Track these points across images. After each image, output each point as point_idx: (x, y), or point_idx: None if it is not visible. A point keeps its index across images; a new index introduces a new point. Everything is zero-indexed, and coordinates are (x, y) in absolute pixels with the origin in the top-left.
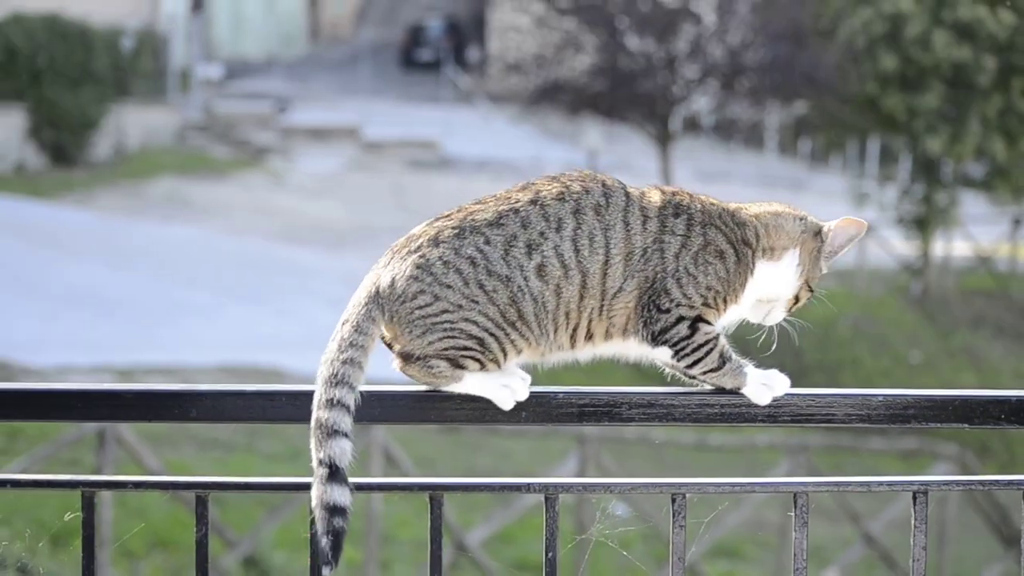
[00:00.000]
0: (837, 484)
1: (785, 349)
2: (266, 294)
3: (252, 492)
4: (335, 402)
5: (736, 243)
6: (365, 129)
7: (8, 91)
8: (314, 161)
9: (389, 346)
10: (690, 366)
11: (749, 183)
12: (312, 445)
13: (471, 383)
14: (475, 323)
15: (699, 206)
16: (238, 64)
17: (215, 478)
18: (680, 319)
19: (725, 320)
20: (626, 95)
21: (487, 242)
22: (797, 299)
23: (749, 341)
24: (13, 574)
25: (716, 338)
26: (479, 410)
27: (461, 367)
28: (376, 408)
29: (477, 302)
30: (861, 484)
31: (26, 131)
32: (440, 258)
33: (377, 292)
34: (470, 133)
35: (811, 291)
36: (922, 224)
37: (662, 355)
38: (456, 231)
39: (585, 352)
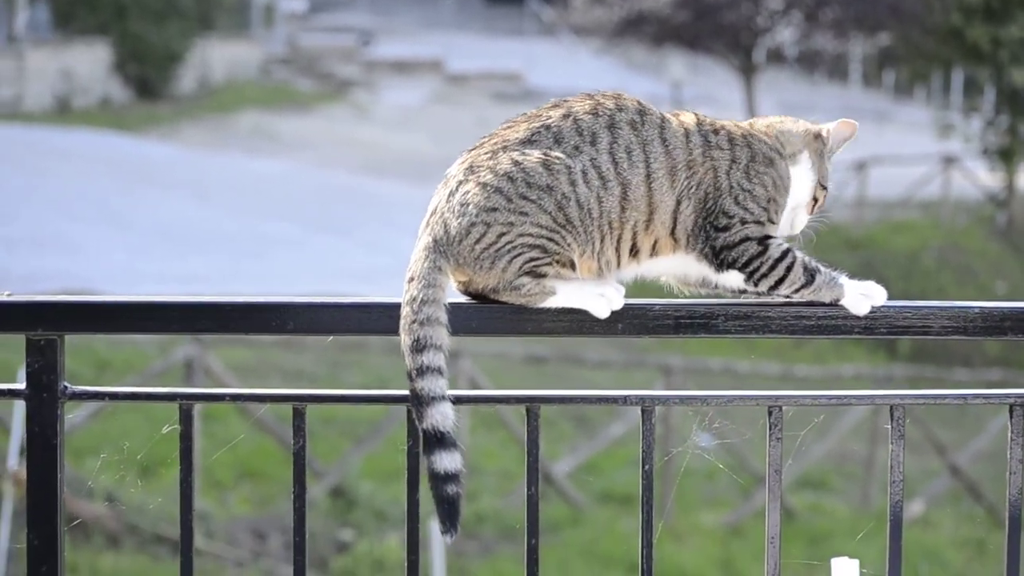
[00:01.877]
0: (934, 397)
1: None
2: (352, 226)
3: (348, 404)
4: (424, 368)
5: (774, 152)
6: (449, 62)
7: (93, 25)
8: (398, 94)
9: (472, 295)
10: (774, 286)
11: (833, 115)
12: (416, 417)
13: (565, 295)
14: (530, 234)
15: (730, 124)
16: None
17: (312, 391)
18: (746, 239)
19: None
20: (710, 26)
21: (523, 154)
22: (816, 200)
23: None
24: (101, 503)
25: (791, 250)
26: (576, 322)
27: (542, 276)
28: (474, 320)
29: (527, 213)
30: (957, 396)
31: (111, 65)
32: (478, 183)
33: (435, 241)
34: (553, 65)
35: (824, 188)
36: (1007, 155)
37: (733, 280)
38: (489, 155)
39: (630, 270)
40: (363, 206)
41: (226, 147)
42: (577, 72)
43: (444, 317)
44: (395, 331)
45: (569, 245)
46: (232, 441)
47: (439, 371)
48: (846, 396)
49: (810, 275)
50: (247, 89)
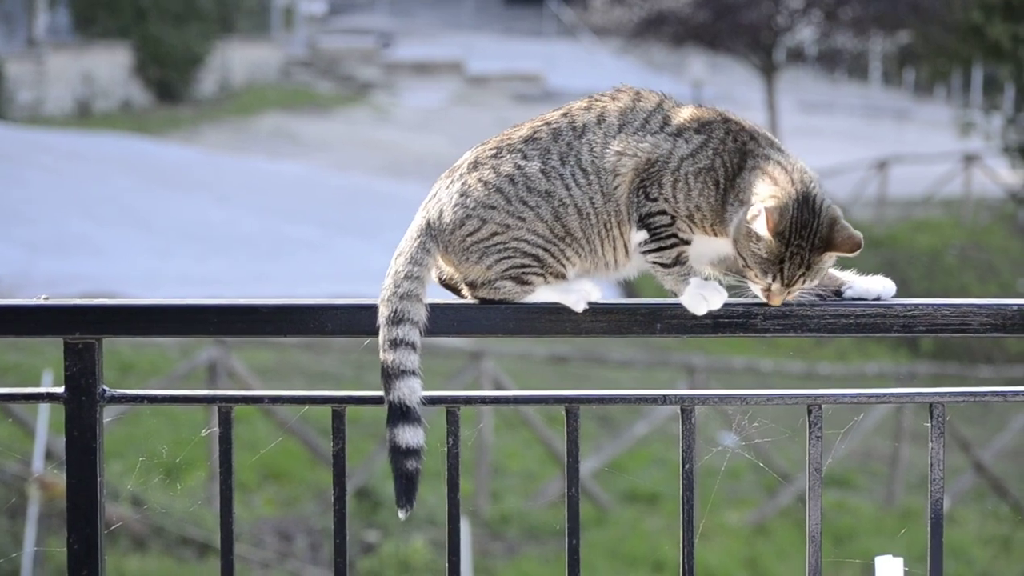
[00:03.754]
0: (973, 394)
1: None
2: (373, 228)
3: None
4: (398, 342)
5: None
6: (469, 63)
7: (113, 29)
8: (418, 96)
9: (445, 285)
10: (650, 251)
11: (853, 113)
12: (383, 388)
13: (543, 292)
14: (526, 241)
15: (730, 131)
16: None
17: (351, 392)
18: (662, 212)
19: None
20: (730, 25)
21: (524, 158)
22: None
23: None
24: (127, 506)
25: (685, 242)
26: (614, 323)
27: (526, 283)
28: (511, 322)
29: (524, 219)
30: (997, 394)
31: (132, 68)
32: (480, 180)
33: (428, 224)
34: (573, 66)
35: (744, 260)
36: None
37: (638, 237)
38: (494, 152)
39: (629, 267)
40: (384, 208)
41: (247, 150)
42: (597, 73)
43: (424, 296)
44: (436, 333)
45: (568, 259)
46: (255, 441)
47: (412, 346)
48: (885, 394)
49: (674, 261)
50: (267, 91)
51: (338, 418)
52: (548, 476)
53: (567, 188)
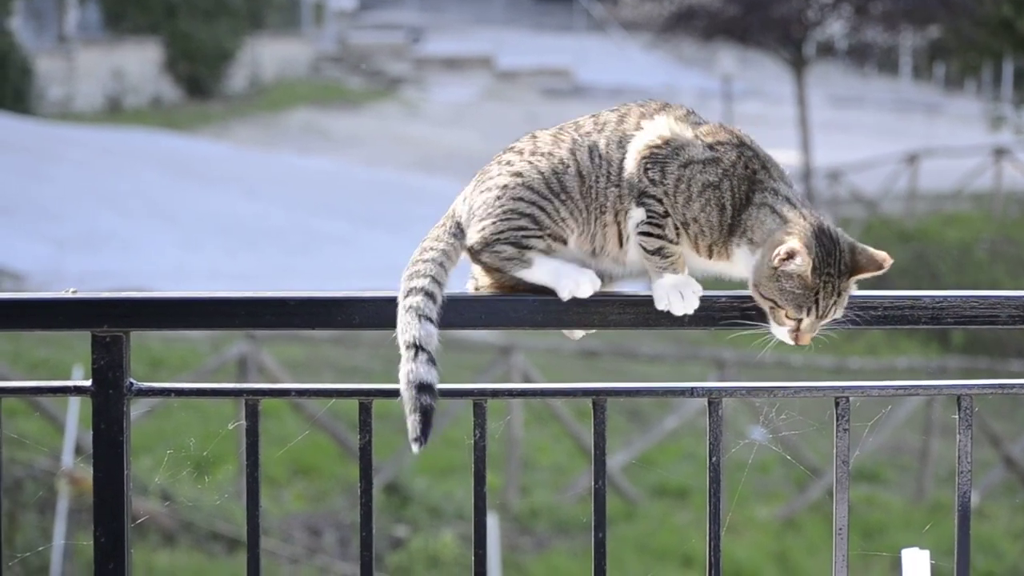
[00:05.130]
0: (1001, 386)
1: (922, 273)
2: (402, 223)
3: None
4: (418, 290)
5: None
6: (499, 58)
7: (144, 25)
8: (448, 91)
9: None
10: (640, 233)
11: (883, 108)
12: (398, 334)
13: (539, 270)
14: (522, 199)
15: (743, 155)
16: None
17: (378, 385)
18: (659, 200)
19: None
20: (760, 19)
21: (535, 137)
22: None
23: None
24: (156, 500)
25: (671, 241)
26: (641, 315)
27: (525, 247)
28: (539, 314)
29: (521, 174)
30: None
31: (162, 64)
32: (499, 162)
33: (454, 214)
34: (604, 61)
35: (780, 307)
36: None
37: (637, 215)
38: (514, 147)
39: (629, 266)
40: (413, 203)
41: (277, 145)
42: (627, 68)
43: (448, 265)
44: (462, 325)
45: (564, 220)
46: (285, 436)
47: (432, 297)
48: (913, 386)
49: (657, 248)
50: (298, 87)
51: (365, 411)
52: (577, 470)
53: (573, 153)
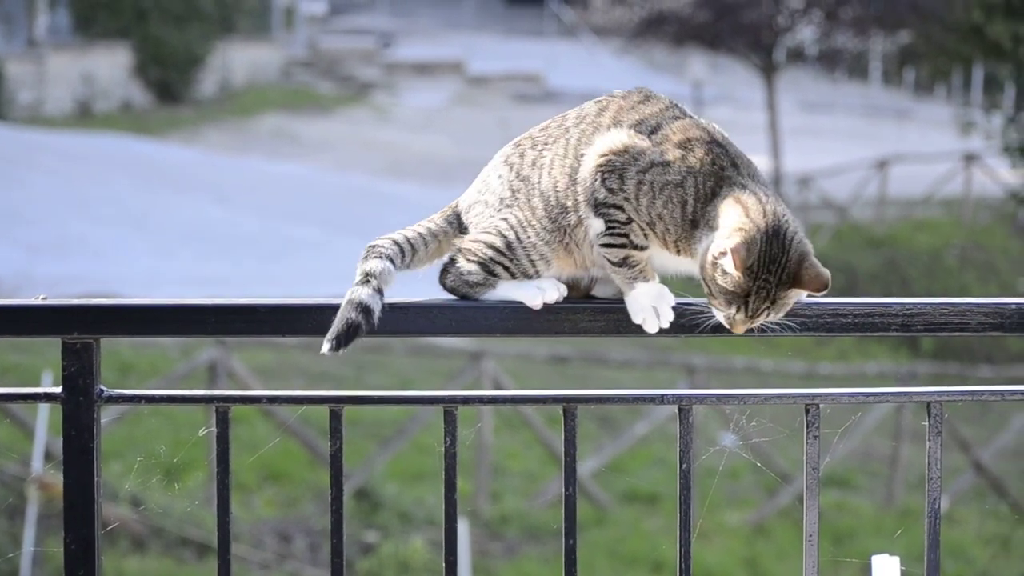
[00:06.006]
0: (971, 393)
1: (892, 279)
2: (374, 228)
3: (383, 406)
4: (390, 240)
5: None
6: (469, 63)
7: (114, 29)
8: (419, 96)
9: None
10: (602, 245)
11: (853, 113)
12: (357, 266)
13: (504, 288)
14: (505, 220)
15: (711, 152)
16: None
17: (349, 392)
18: (619, 207)
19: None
20: (730, 25)
21: (530, 141)
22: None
23: None
24: (126, 506)
25: (637, 247)
26: (613, 322)
27: (493, 274)
28: (510, 321)
29: (506, 201)
30: (995, 393)
31: (132, 69)
32: (491, 166)
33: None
34: (574, 66)
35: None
36: None
37: (597, 227)
38: (514, 143)
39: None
40: (385, 208)
41: (247, 150)
42: (598, 73)
43: (431, 242)
44: (433, 332)
45: (537, 248)
46: (255, 442)
47: (401, 248)
48: (883, 393)
49: (622, 261)
50: (268, 92)
51: (336, 418)
52: (548, 477)
53: (539, 178)
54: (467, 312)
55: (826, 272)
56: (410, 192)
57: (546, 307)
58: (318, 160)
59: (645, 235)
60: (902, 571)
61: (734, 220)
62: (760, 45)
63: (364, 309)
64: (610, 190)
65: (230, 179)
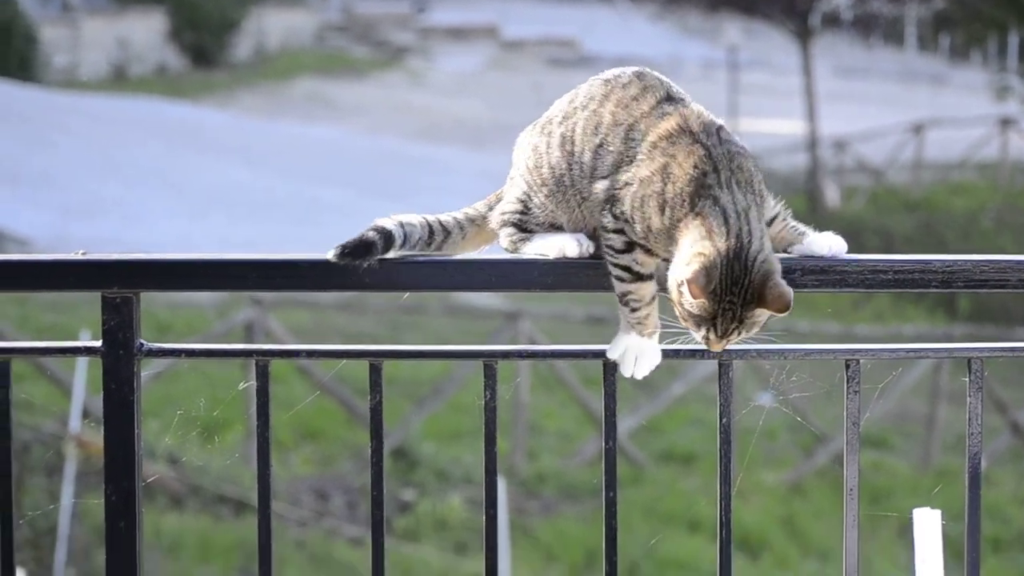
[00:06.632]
0: (1012, 349)
1: (928, 241)
2: (407, 191)
3: (423, 360)
4: (422, 219)
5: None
6: (504, 28)
7: None
8: (453, 60)
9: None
10: (607, 243)
11: (889, 78)
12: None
13: (536, 243)
14: (520, 187)
15: (693, 153)
16: None
17: (388, 346)
18: (620, 231)
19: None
20: None
21: (564, 115)
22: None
23: None
24: (163, 464)
25: (638, 265)
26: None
27: (526, 230)
28: (549, 276)
29: (531, 169)
30: None
31: (167, 33)
32: (527, 134)
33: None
34: (609, 31)
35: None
36: None
37: (606, 222)
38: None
39: None
40: (418, 172)
41: (282, 114)
42: (632, 38)
43: (463, 224)
44: (471, 287)
45: (544, 207)
46: (292, 400)
47: (432, 228)
48: (924, 349)
49: (623, 268)
50: (302, 56)
51: (375, 372)
52: (584, 436)
53: (548, 148)
54: (505, 267)
55: (789, 291)
56: (443, 156)
57: (584, 263)
58: (351, 124)
59: (646, 252)
60: (943, 525)
61: (695, 244)
62: (795, 10)
63: (385, 235)
64: (616, 216)
65: (264, 143)
